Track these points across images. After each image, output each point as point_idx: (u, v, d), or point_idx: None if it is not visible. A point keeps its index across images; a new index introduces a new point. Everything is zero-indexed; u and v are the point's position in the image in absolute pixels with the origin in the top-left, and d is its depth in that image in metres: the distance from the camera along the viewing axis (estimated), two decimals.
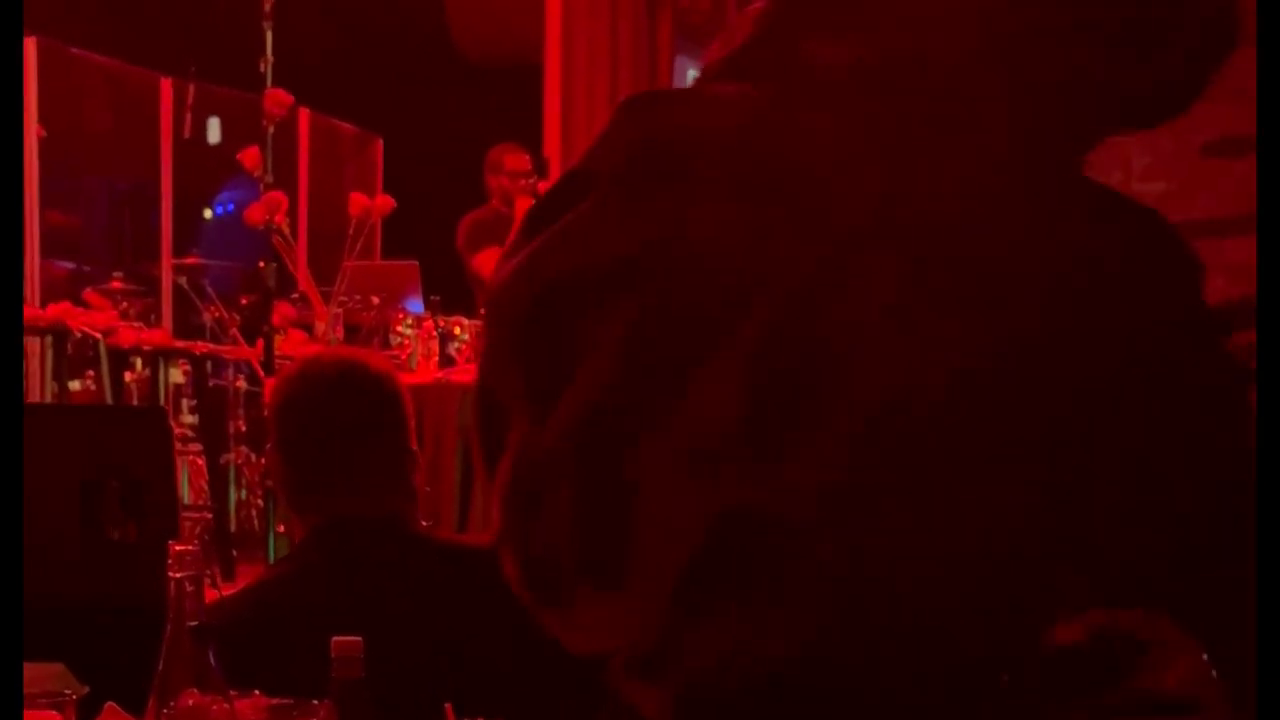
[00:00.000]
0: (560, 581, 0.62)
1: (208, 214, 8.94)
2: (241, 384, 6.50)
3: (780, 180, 0.63)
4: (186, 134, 7.40)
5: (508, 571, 0.66)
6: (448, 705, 1.66)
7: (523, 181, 6.26)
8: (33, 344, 5.45)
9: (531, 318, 0.64)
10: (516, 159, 6.37)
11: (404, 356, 5.33)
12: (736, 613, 0.59)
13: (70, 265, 6.95)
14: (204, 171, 7.85)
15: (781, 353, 0.59)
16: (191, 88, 7.39)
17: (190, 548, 1.40)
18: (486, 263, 6.17)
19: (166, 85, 7.34)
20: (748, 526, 0.58)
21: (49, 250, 6.70)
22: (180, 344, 5.89)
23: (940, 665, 0.57)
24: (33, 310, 5.43)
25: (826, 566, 0.58)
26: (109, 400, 5.43)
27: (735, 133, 0.66)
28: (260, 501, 5.93)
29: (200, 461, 5.84)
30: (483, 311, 0.70)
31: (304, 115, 7.77)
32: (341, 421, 2.01)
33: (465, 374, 5.40)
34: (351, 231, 4.99)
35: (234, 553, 5.49)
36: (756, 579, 0.58)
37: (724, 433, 0.58)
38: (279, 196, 4.62)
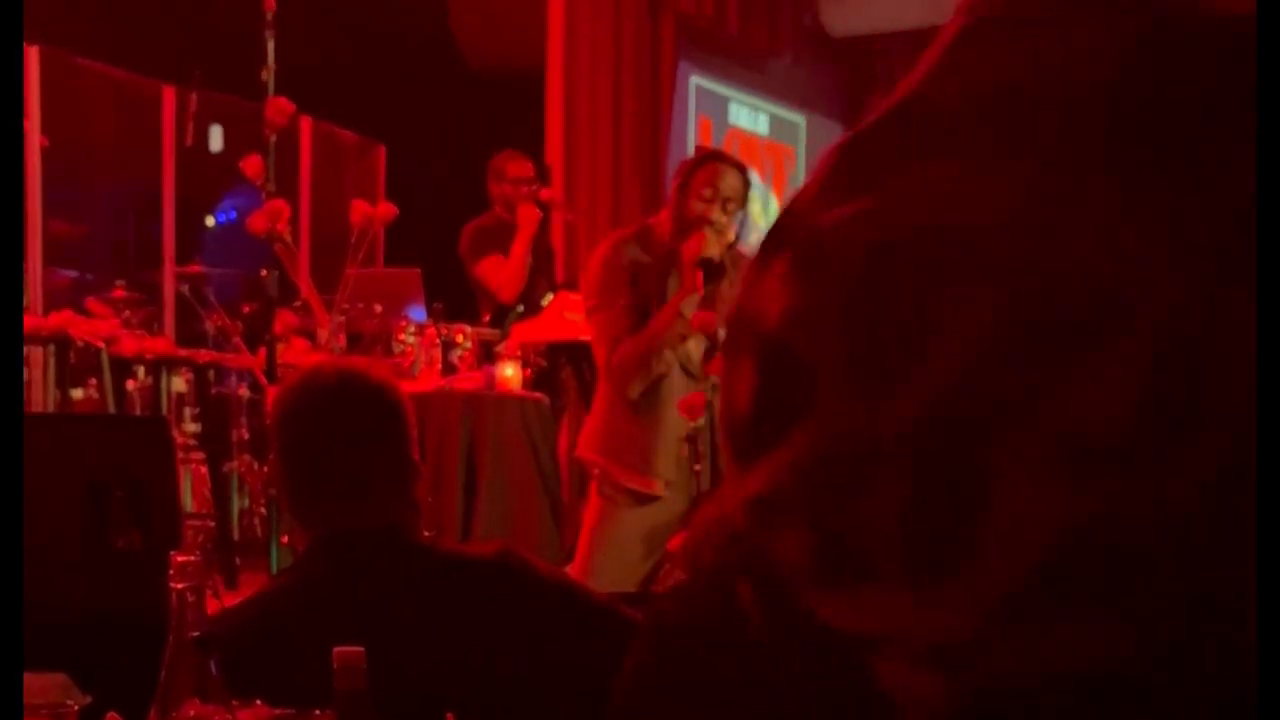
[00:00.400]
0: (867, 566, 0.58)
1: (210, 222, 8.94)
2: (244, 392, 6.50)
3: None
4: (188, 142, 7.40)
5: (786, 542, 0.61)
6: (450, 716, 1.65)
7: (524, 188, 6.26)
8: (35, 353, 5.45)
9: (869, 278, 0.59)
10: (518, 166, 6.37)
11: (406, 364, 5.33)
12: (1074, 619, 0.56)
13: (72, 274, 6.96)
14: (206, 180, 7.85)
15: (1174, 361, 0.56)
16: (193, 96, 7.39)
17: (192, 558, 1.40)
18: (489, 270, 6.17)
19: (169, 93, 7.35)
20: (1114, 534, 0.56)
21: (51, 259, 6.70)
22: (183, 352, 5.89)
23: None
24: (35, 319, 5.42)
25: (1195, 585, 0.56)
26: (111, 409, 5.42)
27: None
28: (263, 509, 5.93)
29: (203, 470, 5.84)
30: (788, 252, 0.62)
31: (306, 123, 7.78)
32: (343, 432, 2.01)
33: (468, 382, 5.40)
34: (354, 239, 4.99)
35: (237, 561, 5.49)
36: (1109, 589, 0.56)
37: (1108, 435, 0.56)
38: (281, 204, 4.62)
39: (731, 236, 3.99)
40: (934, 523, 0.56)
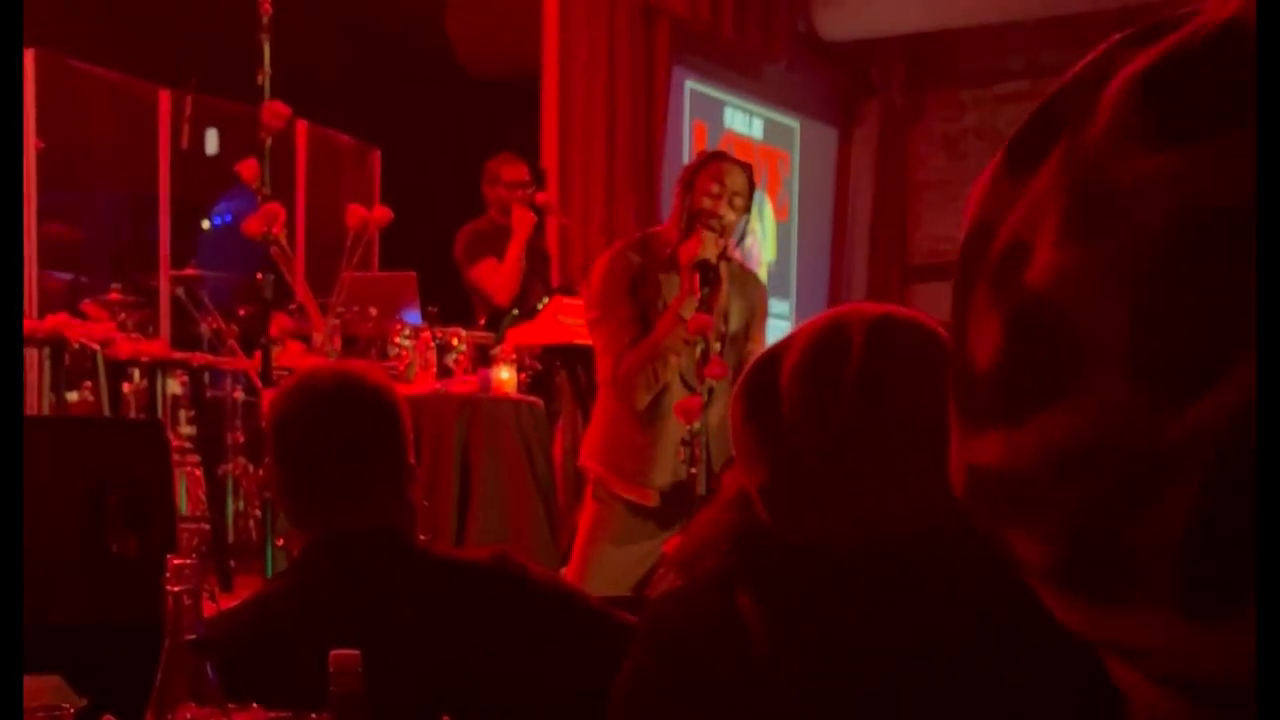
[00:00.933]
0: (1132, 582, 0.50)
1: (205, 225, 8.94)
2: (239, 395, 6.50)
3: None
4: (184, 145, 7.40)
5: (1025, 534, 0.53)
6: (445, 718, 1.66)
7: (519, 192, 6.26)
8: (30, 355, 5.45)
9: (1175, 253, 0.48)
10: (514, 169, 6.38)
11: (401, 367, 5.34)
12: None
13: (68, 276, 6.95)
14: (202, 183, 7.85)
15: None
16: (189, 99, 7.39)
17: (188, 561, 1.40)
18: (484, 274, 6.17)
19: (165, 97, 7.34)
20: None
21: (47, 261, 6.70)
22: (178, 355, 5.89)
23: None
24: (30, 321, 5.42)
25: None
26: (106, 411, 5.42)
27: None
28: (258, 512, 5.93)
29: (198, 472, 5.84)
30: (1068, 194, 0.51)
31: (302, 127, 7.77)
32: (340, 435, 2.01)
33: (463, 385, 5.41)
34: (349, 243, 4.99)
35: (231, 564, 5.49)
36: None
37: None
38: (277, 208, 4.63)
39: (734, 237, 3.98)
40: (1225, 554, 0.49)
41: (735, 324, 4.04)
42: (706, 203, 3.88)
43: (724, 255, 3.97)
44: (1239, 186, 0.48)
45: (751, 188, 3.98)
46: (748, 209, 3.98)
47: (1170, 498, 0.49)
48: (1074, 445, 0.50)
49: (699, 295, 3.83)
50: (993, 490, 0.54)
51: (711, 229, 3.86)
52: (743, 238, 4.06)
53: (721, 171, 3.94)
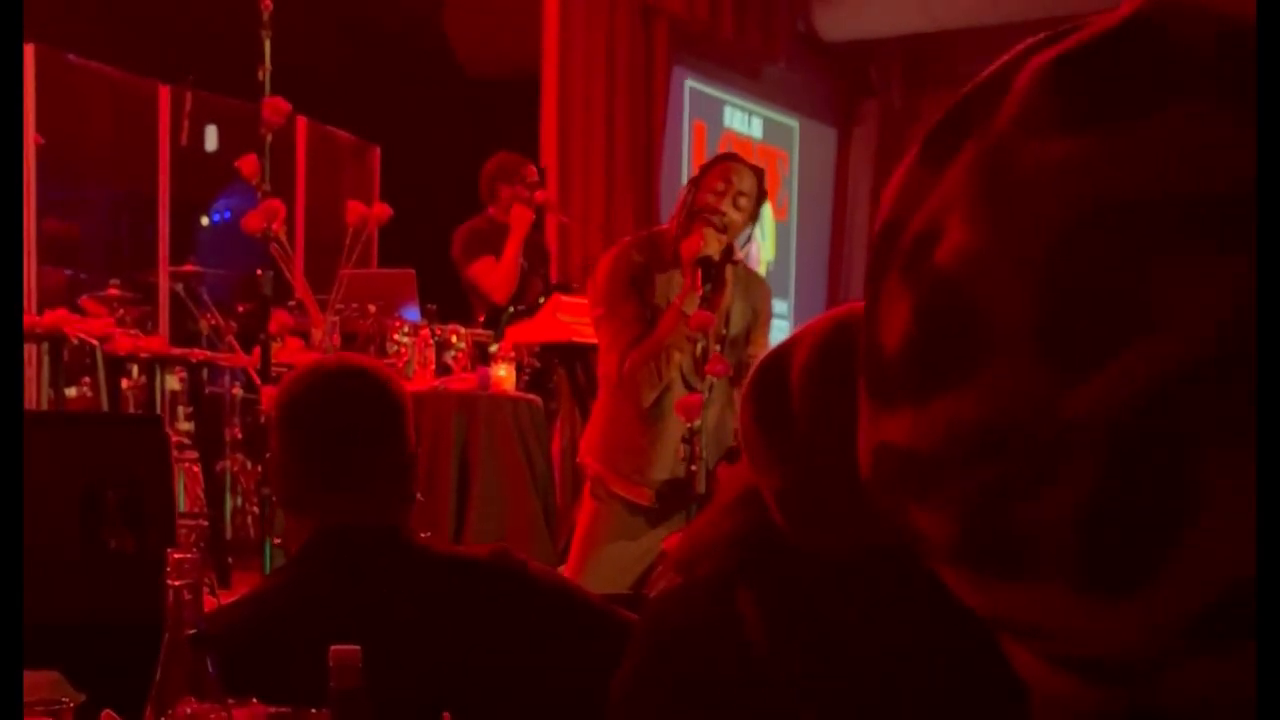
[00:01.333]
0: (1029, 560, 0.51)
1: (205, 222, 8.94)
2: (238, 391, 6.50)
3: None
4: (184, 142, 7.40)
5: (927, 513, 0.54)
6: (445, 715, 1.66)
7: (524, 192, 6.27)
8: (29, 351, 5.45)
9: (1080, 238, 0.49)
10: (530, 169, 6.40)
11: (400, 365, 5.34)
12: (1249, 656, 0.50)
13: (67, 272, 6.95)
14: (201, 179, 7.85)
15: None
16: (189, 95, 7.39)
17: (189, 556, 1.40)
18: (482, 272, 6.17)
19: (164, 93, 7.34)
20: None
21: (46, 257, 6.70)
22: (177, 351, 5.89)
23: None
24: (29, 317, 5.42)
25: None
26: (105, 407, 5.42)
27: None
28: (256, 509, 5.93)
29: (196, 469, 5.84)
30: (976, 176, 0.52)
31: (302, 124, 7.77)
32: (348, 419, 2.01)
33: (461, 382, 5.41)
34: (348, 240, 4.99)
35: (229, 560, 5.49)
36: None
37: None
38: (276, 204, 4.62)
39: (741, 236, 3.98)
40: (1121, 530, 0.49)
41: (736, 327, 4.04)
42: (710, 199, 3.88)
43: (731, 258, 3.97)
44: (1141, 172, 0.49)
45: (761, 191, 3.98)
46: (755, 212, 3.97)
47: (1067, 474, 0.49)
48: (978, 423, 0.51)
49: (701, 292, 3.83)
50: (899, 468, 0.55)
51: (712, 225, 3.85)
52: (749, 240, 4.06)
53: (729, 170, 3.95)
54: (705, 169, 4.02)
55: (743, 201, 3.91)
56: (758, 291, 4.16)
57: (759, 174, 4.00)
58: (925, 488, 0.54)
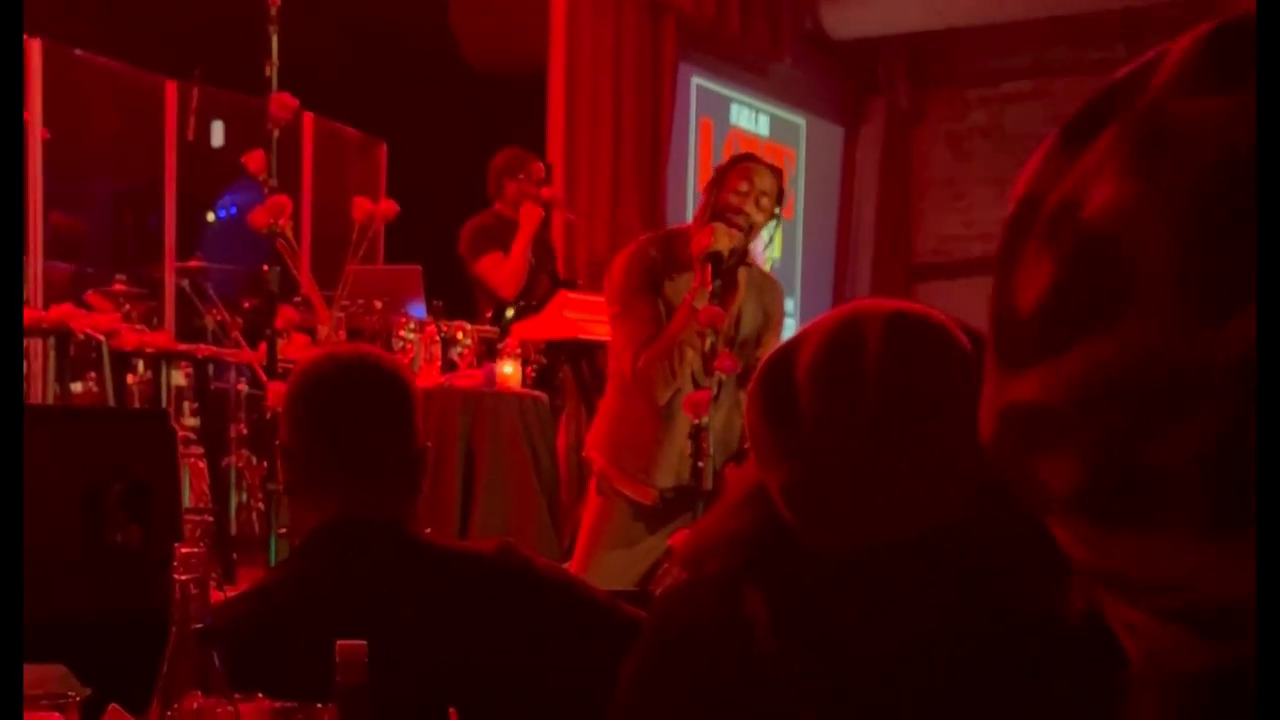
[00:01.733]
0: (1157, 506, 0.52)
1: (211, 217, 8.94)
2: (243, 387, 6.51)
3: None
4: (190, 137, 7.40)
5: (1053, 462, 0.55)
6: (451, 710, 1.66)
7: (531, 188, 6.27)
8: (35, 345, 5.45)
9: (1224, 182, 0.51)
10: (537, 165, 6.40)
11: (406, 361, 5.33)
12: None
13: (73, 267, 6.95)
14: (207, 175, 7.85)
15: None
16: (196, 91, 7.39)
17: (196, 550, 1.40)
18: (489, 268, 6.17)
19: (171, 88, 7.34)
20: None
21: (52, 252, 6.70)
22: (183, 347, 5.89)
23: None
24: (35, 312, 5.42)
25: None
26: (111, 402, 5.43)
27: None
28: (261, 505, 5.93)
29: (201, 464, 5.84)
30: (1126, 132, 0.54)
31: (308, 119, 7.77)
32: (360, 406, 2.00)
33: (467, 379, 5.41)
34: (355, 236, 4.99)
35: (234, 556, 5.49)
36: None
37: None
38: (283, 200, 4.62)
39: (759, 236, 3.98)
40: (1249, 472, 0.50)
41: (747, 329, 4.04)
42: (733, 199, 3.89)
43: (744, 260, 3.97)
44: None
45: (780, 191, 3.98)
46: (775, 212, 3.98)
47: (1200, 415, 0.50)
48: (1116, 366, 0.52)
49: (711, 287, 3.84)
50: (1025, 425, 0.56)
51: (737, 226, 3.87)
52: (769, 241, 4.07)
53: (750, 171, 3.95)
54: (725, 169, 4.02)
55: (764, 202, 3.93)
56: (771, 294, 4.16)
57: (778, 174, 4.01)
58: (1053, 438, 0.55)
